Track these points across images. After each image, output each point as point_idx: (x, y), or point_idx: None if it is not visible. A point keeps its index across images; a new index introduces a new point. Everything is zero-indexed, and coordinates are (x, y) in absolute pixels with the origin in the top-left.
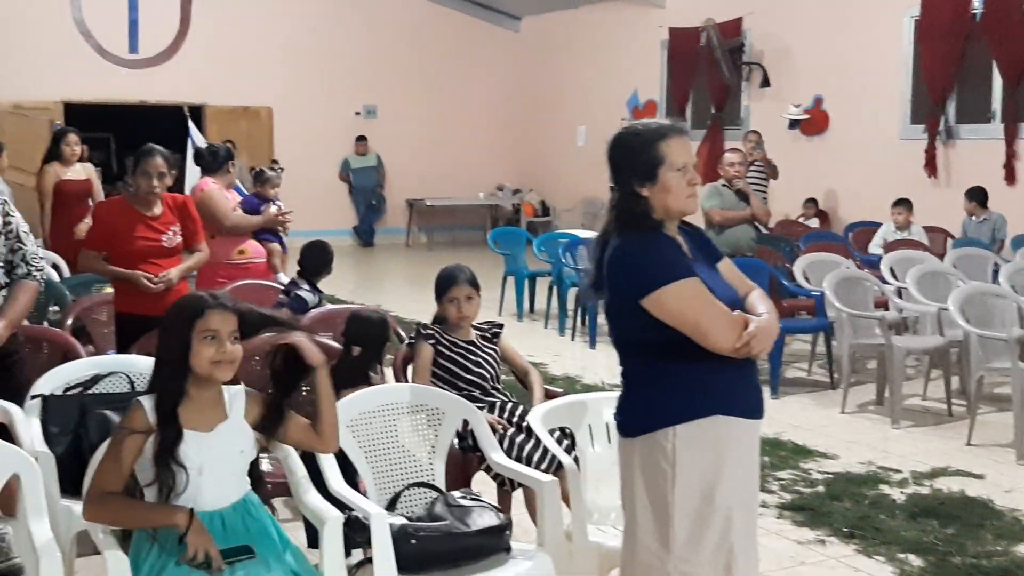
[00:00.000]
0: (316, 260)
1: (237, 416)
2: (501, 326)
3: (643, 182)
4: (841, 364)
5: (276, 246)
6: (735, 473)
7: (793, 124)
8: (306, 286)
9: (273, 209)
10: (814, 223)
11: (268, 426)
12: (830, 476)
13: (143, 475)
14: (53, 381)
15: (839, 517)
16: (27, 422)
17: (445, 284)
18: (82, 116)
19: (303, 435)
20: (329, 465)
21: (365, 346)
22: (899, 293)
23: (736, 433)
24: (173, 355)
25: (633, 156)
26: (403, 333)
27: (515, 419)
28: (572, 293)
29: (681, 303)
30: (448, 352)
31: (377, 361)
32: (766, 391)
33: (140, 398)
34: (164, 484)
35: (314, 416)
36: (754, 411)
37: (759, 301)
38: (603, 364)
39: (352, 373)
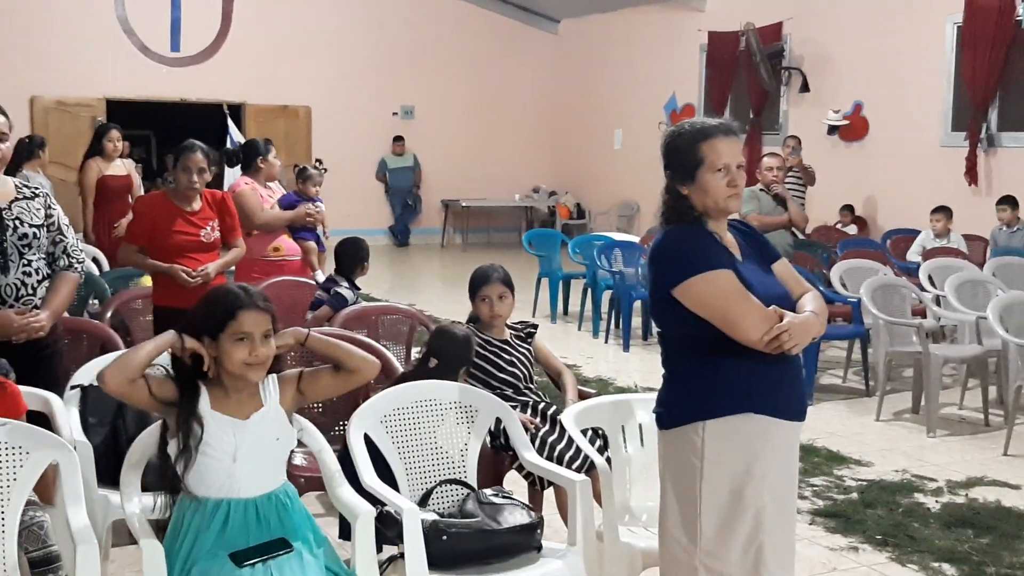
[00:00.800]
0: (350, 257)
1: (272, 403)
2: (535, 326)
3: (683, 181)
4: (877, 371)
5: (312, 244)
6: (768, 473)
7: (832, 130)
8: (345, 283)
9: (307, 207)
10: (852, 230)
11: (304, 390)
12: (864, 483)
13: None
14: (92, 372)
15: (872, 524)
16: (66, 412)
17: (478, 282)
18: (124, 113)
19: (337, 379)
20: (362, 460)
21: (443, 361)
22: (937, 301)
23: (770, 433)
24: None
25: (676, 156)
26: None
27: (548, 419)
28: (606, 296)
29: (710, 293)
30: (482, 351)
31: (452, 378)
32: None
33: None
34: (190, 437)
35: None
36: (793, 412)
37: (809, 301)
38: (636, 367)
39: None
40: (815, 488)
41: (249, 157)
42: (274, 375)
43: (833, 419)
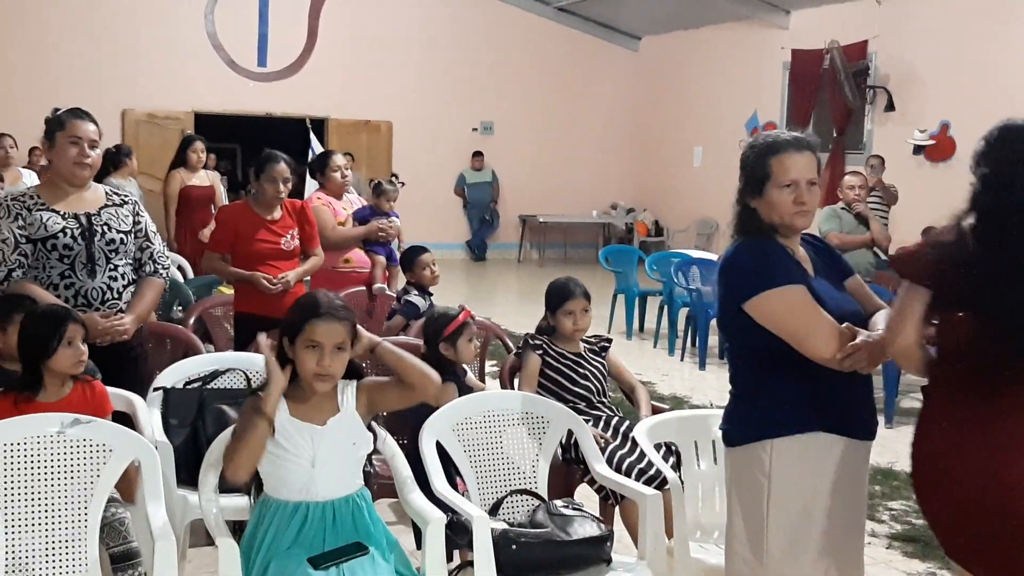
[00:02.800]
0: (406, 261)
1: (348, 408)
2: (609, 340)
3: (752, 194)
4: None
5: (381, 258)
6: (836, 493)
7: (918, 149)
8: (415, 291)
9: (381, 222)
10: None
11: (374, 399)
12: None
13: None
14: (174, 375)
15: None
16: (148, 412)
17: (561, 296)
18: (211, 126)
19: (400, 393)
20: (434, 467)
21: (427, 344)
22: None
23: (840, 451)
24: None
25: (746, 168)
26: (511, 344)
27: (620, 434)
28: (683, 313)
29: (782, 308)
30: (555, 363)
31: (435, 352)
32: (880, 419)
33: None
34: None
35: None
36: (862, 431)
37: (882, 319)
38: (712, 385)
39: None
40: (893, 512)
41: (314, 171)
42: (355, 381)
43: None
